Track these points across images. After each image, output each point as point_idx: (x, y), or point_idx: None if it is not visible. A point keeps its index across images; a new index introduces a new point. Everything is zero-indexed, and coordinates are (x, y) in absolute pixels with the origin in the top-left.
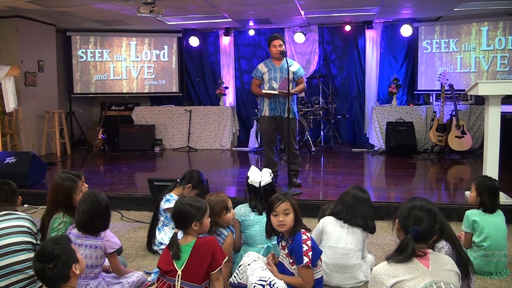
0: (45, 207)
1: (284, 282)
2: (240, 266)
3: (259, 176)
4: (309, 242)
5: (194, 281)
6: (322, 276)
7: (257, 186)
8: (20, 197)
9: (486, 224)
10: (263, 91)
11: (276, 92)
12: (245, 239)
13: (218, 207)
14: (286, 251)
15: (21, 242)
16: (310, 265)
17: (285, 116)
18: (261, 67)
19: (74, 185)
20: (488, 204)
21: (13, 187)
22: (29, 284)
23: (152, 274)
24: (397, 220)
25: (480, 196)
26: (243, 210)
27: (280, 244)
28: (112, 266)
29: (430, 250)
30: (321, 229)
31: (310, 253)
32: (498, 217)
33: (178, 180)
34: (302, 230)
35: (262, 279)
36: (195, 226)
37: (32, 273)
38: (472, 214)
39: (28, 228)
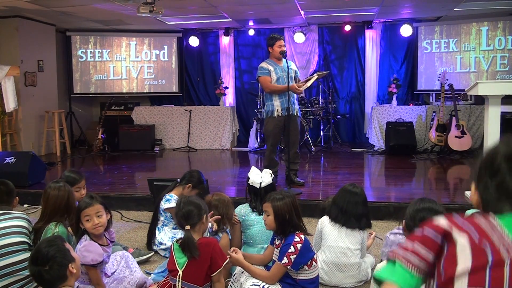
0: None
1: (251, 274)
2: (234, 274)
3: (259, 177)
4: (299, 246)
5: (195, 282)
6: (317, 275)
7: (258, 187)
8: (17, 197)
9: None
10: (307, 84)
11: (314, 78)
12: (245, 239)
13: (228, 204)
14: (278, 250)
15: (19, 242)
16: (289, 267)
17: (294, 114)
18: (266, 65)
19: (64, 193)
20: None
21: (9, 188)
22: (26, 284)
23: (152, 274)
24: (404, 221)
25: None
26: (243, 211)
27: (274, 242)
28: (91, 280)
29: None
30: (320, 230)
31: (293, 257)
32: None
33: (178, 180)
34: (297, 232)
35: (256, 284)
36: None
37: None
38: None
39: (25, 228)
